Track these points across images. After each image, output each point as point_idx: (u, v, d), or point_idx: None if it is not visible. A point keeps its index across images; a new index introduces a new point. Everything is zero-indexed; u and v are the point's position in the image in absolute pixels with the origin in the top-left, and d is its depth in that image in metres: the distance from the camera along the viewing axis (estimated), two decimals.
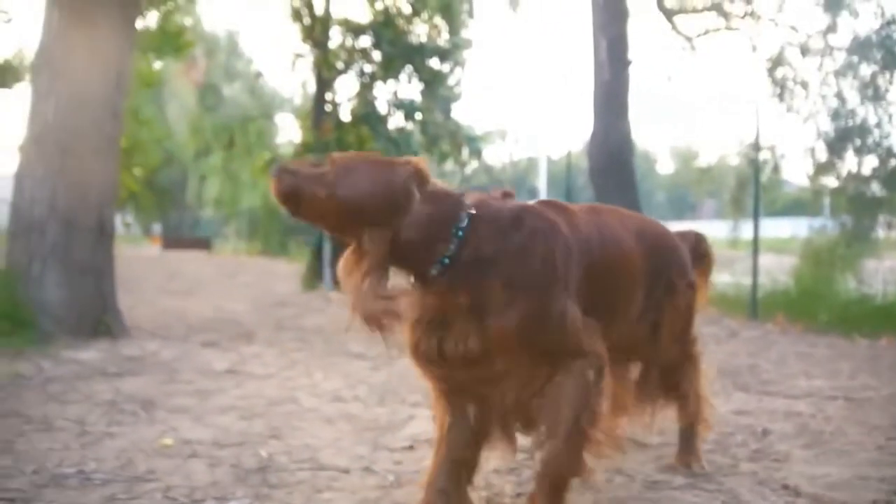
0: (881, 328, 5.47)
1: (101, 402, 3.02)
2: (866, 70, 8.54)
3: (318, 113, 11.04)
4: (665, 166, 47.68)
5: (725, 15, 10.38)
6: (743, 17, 10.19)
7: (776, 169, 10.26)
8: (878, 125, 8.44)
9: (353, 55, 11.05)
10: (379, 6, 11.02)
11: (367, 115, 10.87)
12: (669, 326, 2.10)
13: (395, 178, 1.56)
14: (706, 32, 10.61)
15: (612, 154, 8.22)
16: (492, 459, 1.92)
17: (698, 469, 2.21)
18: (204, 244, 27.76)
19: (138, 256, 17.86)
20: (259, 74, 28.26)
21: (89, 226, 4.68)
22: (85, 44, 4.61)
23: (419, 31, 11.50)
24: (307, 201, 1.56)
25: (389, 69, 11.01)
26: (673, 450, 2.31)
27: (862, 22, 8.87)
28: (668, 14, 10.51)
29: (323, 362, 4.18)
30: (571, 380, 1.64)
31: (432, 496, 1.75)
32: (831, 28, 9.01)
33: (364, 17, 11.04)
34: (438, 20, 11.67)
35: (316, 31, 10.98)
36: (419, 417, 2.86)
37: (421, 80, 11.41)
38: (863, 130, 8.48)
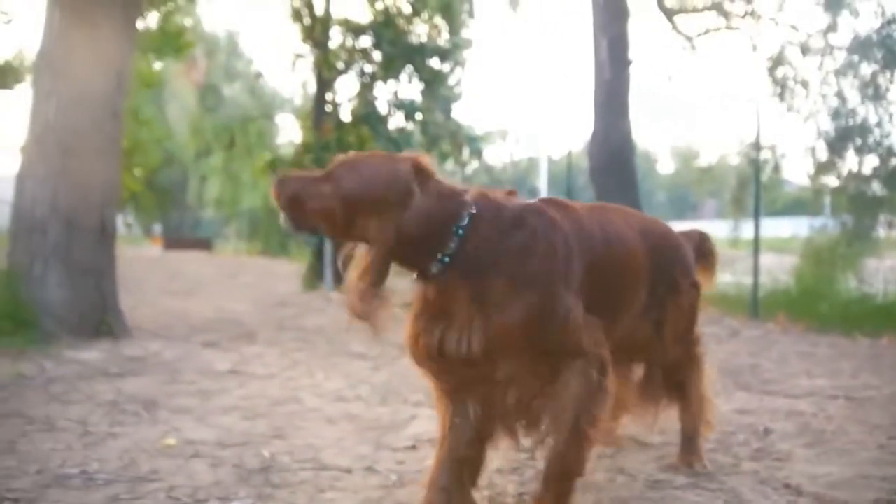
0: (882, 327, 5.48)
1: (104, 403, 3.03)
2: (867, 69, 8.53)
3: (318, 113, 11.04)
4: (666, 166, 47.67)
5: (726, 14, 10.38)
6: (743, 17, 10.19)
7: (777, 168, 10.26)
8: (879, 124, 8.44)
9: (354, 55, 11.05)
10: (379, 6, 11.02)
11: (367, 116, 10.87)
12: (673, 325, 2.10)
13: (397, 171, 1.58)
14: (706, 32, 10.61)
15: (613, 154, 8.22)
16: (494, 459, 1.93)
17: (700, 468, 2.22)
18: (205, 244, 27.79)
19: (139, 257, 17.87)
20: (259, 75, 28.26)
21: (91, 226, 4.69)
22: (86, 44, 4.61)
23: (419, 31, 11.49)
24: (310, 202, 1.57)
25: (390, 69, 11.01)
26: (675, 449, 2.32)
27: (862, 21, 8.87)
28: (669, 13, 10.50)
29: (325, 362, 4.18)
30: (574, 379, 1.63)
31: (434, 495, 1.74)
32: (832, 27, 9.01)
33: (364, 17, 11.05)
34: (439, 20, 11.66)
35: (316, 31, 10.98)
36: (421, 417, 2.87)
37: (421, 80, 11.40)
38: (863, 130, 8.48)
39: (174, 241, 28.69)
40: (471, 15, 12.89)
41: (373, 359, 4.33)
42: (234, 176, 27.13)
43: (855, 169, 8.65)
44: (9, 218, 4.76)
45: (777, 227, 12.10)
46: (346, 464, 2.26)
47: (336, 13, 11.07)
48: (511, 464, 2.25)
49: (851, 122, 8.52)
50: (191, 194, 31.12)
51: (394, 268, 1.65)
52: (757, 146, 7.76)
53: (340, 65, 10.97)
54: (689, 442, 2.26)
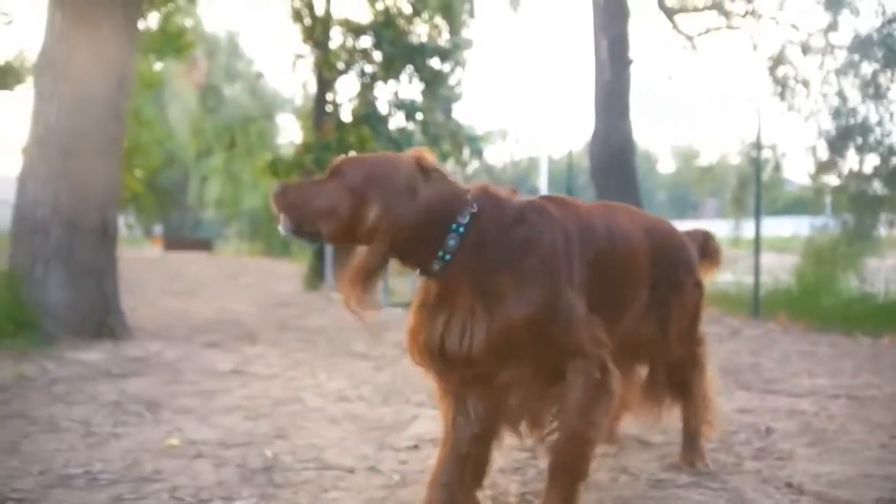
0: (883, 326, 5.48)
1: (106, 403, 3.03)
2: (867, 68, 8.53)
3: (319, 113, 11.06)
4: (666, 165, 47.69)
5: (726, 14, 10.38)
6: (744, 16, 10.19)
7: (777, 168, 10.26)
8: (880, 123, 8.44)
9: (354, 55, 11.07)
10: (379, 6, 11.04)
11: (367, 116, 10.89)
12: (677, 324, 2.10)
13: (401, 164, 1.60)
14: (707, 31, 10.61)
15: (614, 153, 8.23)
16: (497, 458, 1.93)
17: (702, 467, 2.22)
18: (205, 245, 27.83)
19: (140, 258, 17.89)
20: (260, 75, 28.34)
21: (92, 227, 4.69)
22: (87, 45, 4.62)
23: (420, 32, 11.51)
24: (316, 201, 1.58)
25: (390, 69, 11.02)
26: (677, 449, 2.32)
27: (863, 20, 8.88)
28: (669, 13, 10.50)
29: (327, 362, 4.19)
30: (578, 380, 1.63)
31: (436, 492, 1.74)
32: (832, 26, 9.01)
33: (365, 17, 11.06)
34: (439, 20, 11.68)
35: (317, 31, 11.00)
36: (423, 417, 2.87)
37: (422, 80, 11.42)
38: (864, 129, 8.48)
39: (175, 241, 28.74)
40: (471, 15, 12.90)
41: (375, 359, 4.34)
42: (235, 176, 27.17)
43: (856, 168, 8.65)
44: (10, 219, 4.77)
45: (778, 227, 12.10)
46: (349, 463, 2.26)
47: (336, 13, 11.10)
48: (513, 463, 2.25)
49: (852, 122, 8.52)
50: (191, 195, 31.15)
51: (397, 266, 1.66)
52: (758, 145, 7.76)
53: (341, 65, 10.99)
54: (692, 441, 2.27)
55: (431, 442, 2.43)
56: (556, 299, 1.61)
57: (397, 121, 11.38)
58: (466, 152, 12.19)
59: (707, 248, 2.37)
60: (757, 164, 7.80)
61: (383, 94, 11.37)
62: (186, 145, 29.22)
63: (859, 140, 8.51)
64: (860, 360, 4.44)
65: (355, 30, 10.98)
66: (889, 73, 8.36)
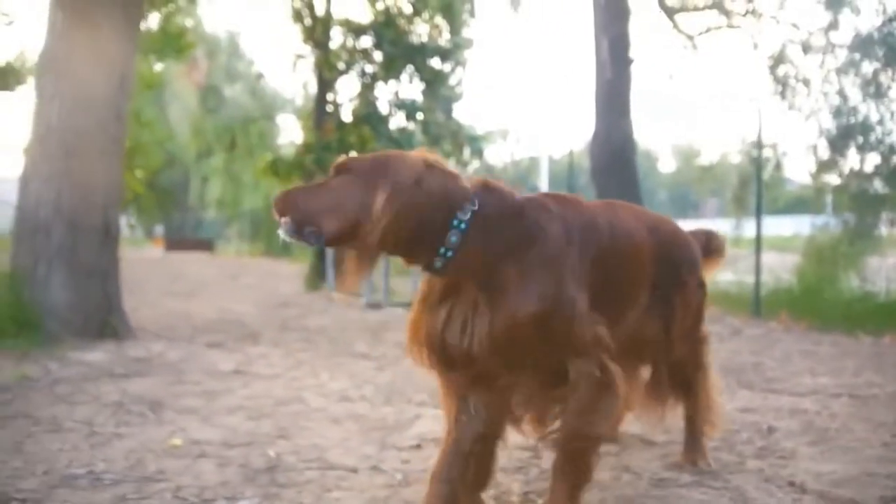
0: (885, 325, 5.48)
1: (109, 403, 3.04)
2: (868, 67, 8.52)
3: (319, 113, 11.06)
4: (667, 165, 47.70)
5: (727, 13, 10.37)
6: (744, 15, 10.18)
7: (778, 167, 10.25)
8: (881, 122, 8.43)
9: (355, 55, 11.06)
10: (380, 6, 11.03)
11: (368, 116, 10.88)
12: (680, 323, 2.10)
13: (407, 156, 1.61)
14: (707, 30, 10.60)
15: (614, 153, 8.23)
16: (500, 458, 1.93)
17: (705, 467, 2.22)
18: (206, 245, 27.83)
19: (141, 258, 17.90)
20: (260, 75, 28.29)
21: (94, 227, 4.70)
22: (89, 46, 4.63)
23: (420, 31, 11.50)
24: (322, 197, 1.58)
25: (391, 69, 11.02)
26: (679, 448, 2.32)
27: (863, 19, 8.87)
28: (670, 12, 10.50)
29: (329, 362, 4.19)
30: (582, 381, 1.62)
31: (437, 486, 1.72)
32: (833, 25, 9.00)
33: (365, 17, 11.06)
34: (439, 20, 11.67)
35: (317, 31, 10.99)
36: (426, 417, 2.88)
37: (422, 80, 11.41)
38: (865, 128, 8.47)
39: (176, 242, 28.74)
40: (472, 15, 12.89)
41: (376, 359, 4.34)
42: (236, 177, 27.17)
43: (857, 167, 8.63)
44: (12, 220, 4.77)
45: (779, 226, 12.10)
46: (352, 463, 2.27)
47: (337, 13, 11.09)
48: (516, 462, 2.26)
49: (853, 120, 8.51)
50: (192, 195, 31.16)
51: (400, 262, 1.67)
52: (758, 144, 7.77)
53: (341, 65, 10.98)
54: (694, 440, 2.27)
55: (434, 441, 2.44)
56: (559, 295, 1.60)
57: (398, 121, 11.37)
58: (467, 152, 12.18)
59: (710, 247, 2.37)
60: (758, 163, 7.80)
61: (384, 94, 11.37)
62: (187, 146, 29.22)
63: (860, 139, 8.50)
64: (862, 358, 4.44)
65: (356, 30, 10.98)
66: (890, 72, 8.35)
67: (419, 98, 11.49)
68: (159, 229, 35.73)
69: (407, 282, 8.34)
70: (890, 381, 3.67)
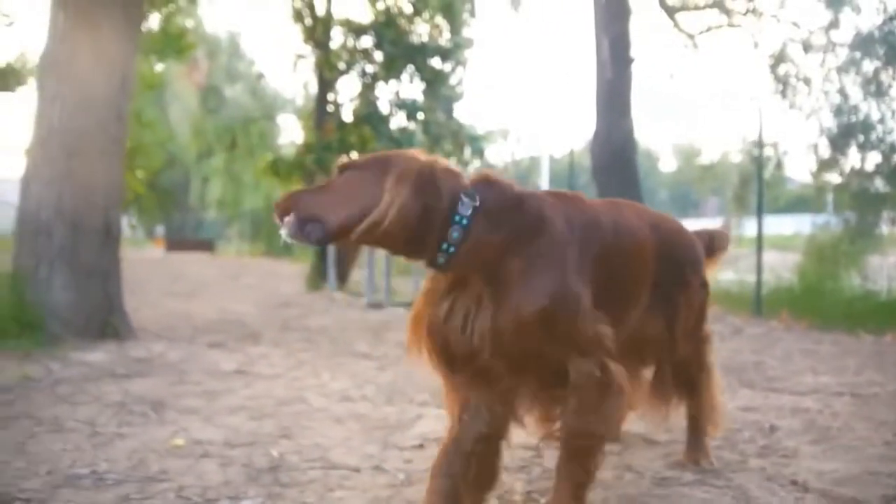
0: (886, 324, 5.48)
1: (111, 404, 3.04)
2: (869, 66, 8.52)
3: (320, 113, 11.05)
4: (668, 164, 47.70)
5: (727, 12, 10.37)
6: (745, 14, 10.18)
7: (779, 166, 10.25)
8: (881, 121, 8.43)
9: (355, 55, 11.06)
10: (380, 6, 11.02)
11: (369, 116, 10.88)
12: (683, 322, 2.09)
13: (408, 153, 1.61)
14: (708, 29, 10.60)
15: (615, 152, 8.22)
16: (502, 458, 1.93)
17: (707, 465, 2.23)
18: (207, 246, 27.83)
19: (142, 259, 17.91)
20: (261, 76, 28.30)
21: (96, 228, 4.70)
22: (90, 47, 4.63)
23: (421, 31, 11.49)
24: (330, 194, 1.59)
25: (391, 69, 11.01)
26: (681, 447, 2.33)
27: (864, 18, 8.87)
28: (670, 11, 10.50)
29: (330, 362, 4.20)
30: (585, 380, 1.61)
31: (439, 481, 1.69)
32: (833, 24, 9.00)
33: (365, 17, 11.05)
34: (440, 20, 11.66)
35: (317, 31, 10.99)
36: (428, 416, 2.88)
37: (423, 79, 11.40)
38: (866, 126, 8.47)
39: (176, 242, 28.74)
40: (472, 14, 12.88)
41: (378, 359, 4.35)
42: (236, 177, 27.19)
43: (857, 166, 8.64)
44: (14, 221, 4.78)
45: (780, 225, 12.10)
46: (354, 463, 2.27)
47: (337, 13, 11.08)
48: (518, 462, 2.26)
49: (854, 119, 8.51)
50: (193, 196, 31.18)
51: (403, 259, 1.68)
52: (759, 143, 7.76)
53: (342, 65, 10.98)
54: (696, 439, 2.27)
55: (436, 441, 2.43)
56: (562, 289, 1.60)
57: (399, 121, 11.36)
58: (468, 152, 12.18)
59: (713, 246, 2.37)
60: (758, 162, 7.80)
61: (384, 93, 11.36)
62: (188, 146, 29.23)
63: (861, 138, 8.50)
64: (863, 357, 4.44)
65: (356, 30, 10.97)
66: (891, 71, 8.35)
67: (420, 98, 11.48)
68: (160, 230, 35.74)
69: (408, 281, 8.34)
70: (891, 380, 3.68)
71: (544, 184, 21.00)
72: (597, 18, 8.45)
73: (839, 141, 8.63)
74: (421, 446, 2.46)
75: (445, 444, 1.73)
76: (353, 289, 9.31)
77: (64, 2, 4.66)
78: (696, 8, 10.65)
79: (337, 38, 11.10)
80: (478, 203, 1.60)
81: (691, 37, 10.61)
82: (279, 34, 31.37)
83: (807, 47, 9.32)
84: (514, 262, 1.58)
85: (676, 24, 10.57)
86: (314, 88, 11.65)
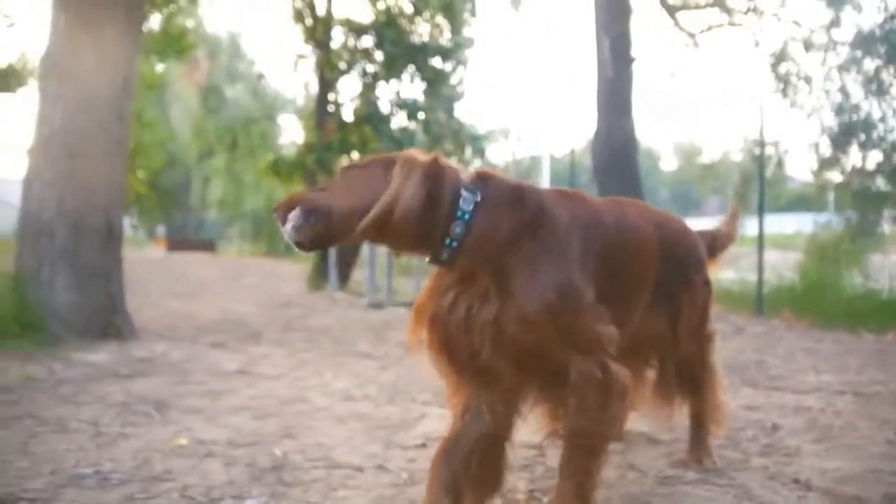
0: (887, 323, 5.48)
1: (114, 404, 3.04)
2: (870, 64, 8.52)
3: (320, 113, 11.06)
4: (669, 163, 47.71)
5: (728, 10, 10.37)
6: (746, 13, 10.18)
7: (780, 164, 10.26)
8: (883, 119, 8.43)
9: (356, 55, 11.06)
10: (381, 6, 11.02)
11: (369, 116, 10.88)
12: (687, 321, 2.10)
13: (410, 151, 1.62)
14: (709, 28, 10.60)
15: (616, 151, 8.22)
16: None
17: (710, 464, 2.23)
18: (208, 246, 27.83)
19: (143, 259, 17.91)
20: (261, 76, 28.30)
21: (97, 228, 4.71)
22: (91, 48, 4.64)
23: (421, 31, 11.49)
24: (330, 190, 1.59)
25: (392, 69, 11.01)
26: (684, 445, 2.33)
27: (865, 16, 8.86)
28: (671, 10, 10.49)
29: (332, 362, 4.20)
30: (579, 382, 1.60)
31: (439, 471, 1.67)
32: (834, 23, 9.00)
33: (366, 17, 11.05)
34: (440, 19, 11.66)
35: (318, 31, 11.00)
36: (430, 416, 2.88)
37: (423, 79, 11.40)
38: (867, 125, 8.47)
39: (178, 242, 28.74)
40: (473, 14, 12.87)
41: (380, 358, 4.35)
42: (237, 177, 27.22)
43: (859, 164, 8.64)
44: (16, 222, 4.78)
45: (781, 224, 12.10)
46: (358, 462, 2.27)
47: (338, 13, 11.09)
48: (521, 461, 2.26)
49: (855, 118, 8.51)
50: (194, 196, 31.20)
51: (406, 255, 1.68)
52: (760, 142, 7.77)
53: (342, 65, 10.98)
54: (699, 438, 2.27)
55: (439, 440, 2.43)
56: (565, 284, 1.59)
57: (399, 120, 11.37)
58: (469, 151, 12.18)
59: (714, 247, 2.37)
60: (760, 161, 7.80)
61: (385, 93, 11.36)
62: (188, 146, 29.25)
63: (862, 136, 8.50)
64: (865, 356, 4.44)
65: (357, 30, 10.98)
66: (892, 69, 8.35)
67: (420, 97, 11.48)
68: (161, 230, 35.76)
69: (409, 282, 8.35)
70: (893, 379, 3.68)
71: (545, 183, 21.01)
72: (597, 18, 8.45)
73: (840, 139, 8.63)
74: (424, 445, 2.46)
75: (446, 438, 1.71)
76: (355, 289, 9.32)
77: (65, 3, 4.67)
78: (697, 7, 10.65)
79: (338, 37, 11.11)
80: (479, 198, 1.60)
81: (692, 36, 10.61)
82: (280, 34, 31.32)
83: (808, 46, 9.31)
84: (517, 256, 1.58)
85: (677, 23, 10.57)
86: (315, 88, 11.65)
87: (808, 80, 9.19)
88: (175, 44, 12.55)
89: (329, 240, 1.61)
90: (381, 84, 11.21)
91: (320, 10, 11.04)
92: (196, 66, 26.77)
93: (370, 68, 11.08)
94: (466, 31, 12.64)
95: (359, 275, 10.02)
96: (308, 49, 11.22)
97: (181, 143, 28.87)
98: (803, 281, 6.93)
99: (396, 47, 10.80)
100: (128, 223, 27.99)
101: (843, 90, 8.71)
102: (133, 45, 4.96)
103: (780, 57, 9.51)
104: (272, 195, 21.72)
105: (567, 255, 1.63)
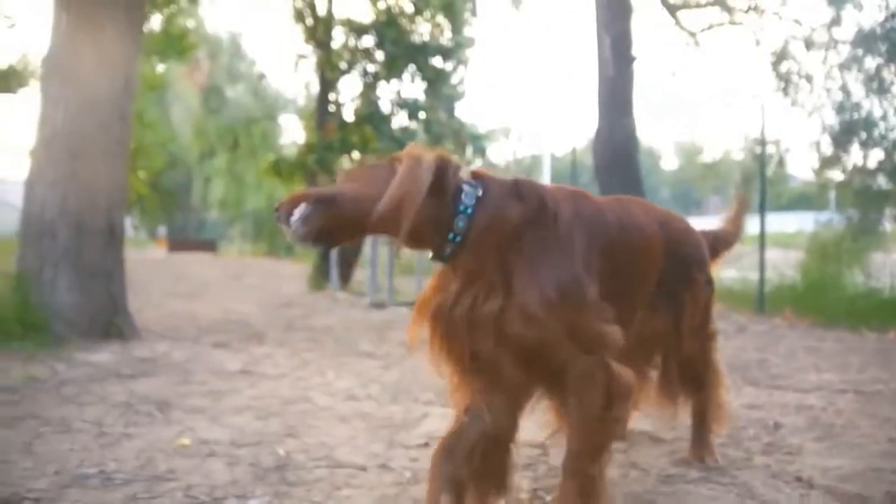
0: (889, 322, 5.48)
1: (117, 404, 3.05)
2: (871, 63, 8.52)
3: (321, 113, 11.06)
4: (670, 162, 47.72)
5: (729, 9, 10.37)
6: (746, 12, 10.18)
7: (781, 163, 10.27)
8: (884, 118, 8.44)
9: (356, 55, 11.06)
10: (381, 6, 11.03)
11: (370, 115, 10.89)
12: (690, 320, 2.10)
13: (414, 150, 1.61)
14: (710, 27, 10.60)
15: (617, 150, 8.22)
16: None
17: (712, 463, 2.23)
18: (209, 246, 27.83)
19: (144, 259, 17.92)
20: (262, 76, 28.29)
21: (99, 229, 4.72)
22: (93, 49, 4.64)
23: (422, 30, 11.49)
24: (339, 187, 1.60)
25: (392, 68, 11.02)
26: (686, 444, 2.33)
27: (866, 15, 8.86)
28: (672, 9, 10.50)
29: (334, 362, 4.21)
30: (578, 383, 1.60)
31: (440, 463, 1.65)
32: (835, 21, 9.00)
33: (367, 16, 11.06)
34: (441, 19, 11.66)
35: (319, 31, 11.00)
36: (433, 415, 2.89)
37: (424, 79, 11.41)
38: (868, 123, 8.48)
39: (179, 243, 28.74)
40: (473, 13, 12.88)
41: (382, 358, 4.36)
42: (238, 177, 27.23)
43: (860, 163, 8.65)
44: (15, 221, 4.79)
45: (782, 223, 12.09)
46: (361, 461, 2.28)
47: (338, 13, 11.10)
48: (524, 459, 2.26)
49: (856, 116, 8.52)
50: (195, 196, 31.22)
51: (409, 249, 1.69)
52: (761, 141, 7.77)
53: (343, 65, 10.99)
54: (701, 437, 2.27)
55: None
56: (568, 277, 1.59)
57: (400, 120, 11.37)
58: (469, 151, 12.18)
59: (716, 246, 2.38)
60: (761, 160, 7.80)
61: (386, 93, 11.36)
62: (189, 147, 29.27)
63: (863, 135, 8.50)
64: (866, 355, 4.44)
65: (357, 29, 10.98)
66: (893, 68, 8.35)
67: (421, 97, 11.48)
68: (162, 230, 35.76)
69: (411, 281, 8.35)
70: (894, 377, 3.68)
71: (546, 182, 21.00)
72: (598, 16, 8.45)
73: (841, 138, 8.63)
74: (426, 445, 2.46)
75: (447, 435, 1.70)
76: (356, 288, 9.33)
77: (67, 4, 4.67)
78: (698, 6, 10.65)
79: (338, 37, 11.11)
80: (480, 193, 1.61)
81: (693, 35, 10.61)
82: (280, 34, 31.34)
83: (809, 44, 9.32)
84: (520, 250, 1.58)
85: (678, 22, 10.57)
86: (316, 88, 11.66)
87: (809, 78, 9.19)
88: (176, 44, 12.57)
89: (336, 230, 1.58)
90: (382, 84, 11.21)
91: (321, 10, 11.05)
92: (197, 66, 26.77)
93: (371, 68, 11.08)
94: (467, 31, 12.64)
95: (360, 275, 10.02)
96: (309, 49, 11.23)
97: (182, 144, 28.88)
98: (805, 280, 6.93)
99: (397, 47, 10.80)
100: (129, 224, 28.00)
101: (845, 89, 8.71)
102: (134, 46, 4.97)
103: (781, 55, 9.51)
104: (273, 195, 21.73)
105: (570, 249, 1.63)
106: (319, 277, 10.08)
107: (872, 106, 8.48)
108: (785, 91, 9.29)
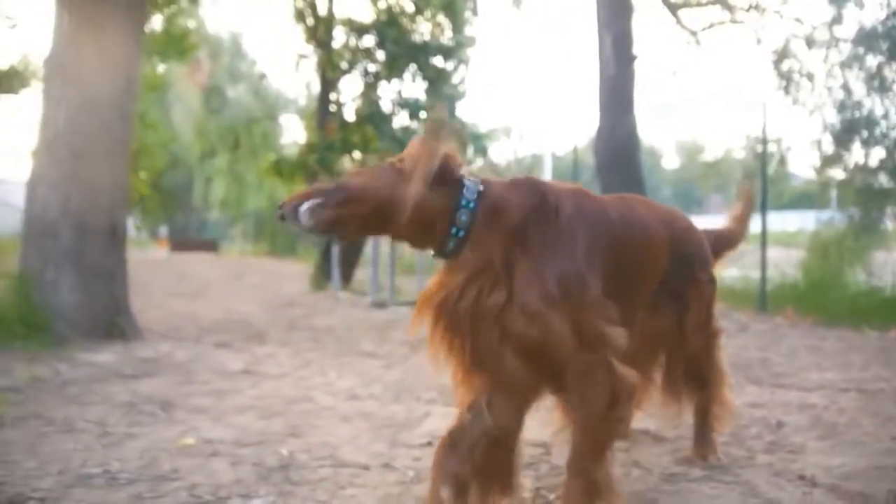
0: (890, 320, 5.48)
1: (120, 404, 3.06)
2: (872, 61, 8.51)
3: (322, 113, 11.07)
4: (671, 161, 47.68)
5: (730, 8, 10.37)
6: (747, 10, 10.18)
7: (783, 162, 10.26)
8: (885, 116, 8.43)
9: (357, 55, 11.06)
10: (382, 5, 11.03)
11: (371, 115, 10.89)
12: (693, 318, 2.10)
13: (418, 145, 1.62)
14: (711, 26, 10.60)
15: (618, 149, 8.22)
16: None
17: (715, 461, 2.23)
18: (211, 246, 27.84)
19: (146, 259, 17.94)
20: (263, 76, 28.31)
21: (102, 229, 4.72)
22: (94, 49, 4.65)
23: (423, 30, 11.49)
24: (349, 179, 1.61)
25: (393, 68, 11.02)
26: (689, 443, 2.33)
27: (867, 13, 8.87)
28: (673, 8, 10.49)
29: (336, 361, 4.21)
30: (594, 377, 1.60)
31: (445, 453, 1.65)
32: (836, 19, 8.99)
33: (367, 16, 11.06)
34: (442, 18, 11.66)
35: (319, 31, 11.01)
36: (435, 414, 2.89)
37: (425, 78, 11.40)
38: (869, 122, 8.47)
39: (180, 243, 28.74)
40: (474, 12, 12.87)
41: (384, 357, 4.36)
42: (240, 177, 27.24)
43: (861, 161, 8.64)
44: (20, 223, 4.80)
45: (784, 221, 12.09)
46: (364, 461, 2.28)
47: (339, 13, 11.10)
48: (527, 458, 2.26)
49: (857, 115, 8.51)
50: (196, 196, 31.22)
51: (411, 247, 1.69)
52: (763, 140, 7.76)
53: (344, 64, 10.99)
54: (704, 435, 2.28)
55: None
56: (571, 271, 1.59)
57: (401, 120, 11.37)
58: (470, 150, 12.18)
59: (717, 246, 2.38)
60: (762, 159, 7.79)
61: (387, 93, 11.37)
62: (191, 147, 29.26)
63: (865, 133, 8.50)
64: (868, 353, 4.45)
65: (358, 29, 10.98)
66: (894, 66, 8.34)
67: (422, 97, 11.48)
68: (164, 230, 35.77)
69: (412, 281, 8.35)
70: None
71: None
72: (599, 15, 8.45)
73: (843, 137, 8.63)
74: (429, 444, 2.47)
75: (450, 431, 1.69)
76: (358, 288, 9.33)
77: (68, 4, 4.68)
78: (699, 4, 10.65)
79: (339, 37, 11.12)
80: (482, 188, 1.62)
81: (694, 33, 10.61)
82: (281, 34, 31.40)
83: (810, 43, 9.31)
84: (523, 244, 1.59)
85: (679, 21, 10.56)
86: (316, 88, 11.68)
87: (810, 77, 9.19)
88: (177, 44, 12.56)
89: (343, 220, 1.56)
90: (383, 83, 11.21)
91: (322, 10, 11.06)
92: (198, 66, 26.77)
93: (372, 68, 11.08)
94: (468, 30, 12.63)
95: (361, 274, 10.03)
96: (310, 49, 11.24)
97: (183, 144, 28.86)
98: (806, 278, 6.92)
99: (398, 46, 10.80)
100: (131, 224, 28.01)
101: (846, 87, 8.71)
102: (136, 46, 4.98)
103: (783, 54, 9.51)
104: (274, 195, 21.74)
105: (573, 244, 1.63)
106: (321, 277, 10.08)
107: (874, 104, 8.48)
108: (786, 89, 9.28)
